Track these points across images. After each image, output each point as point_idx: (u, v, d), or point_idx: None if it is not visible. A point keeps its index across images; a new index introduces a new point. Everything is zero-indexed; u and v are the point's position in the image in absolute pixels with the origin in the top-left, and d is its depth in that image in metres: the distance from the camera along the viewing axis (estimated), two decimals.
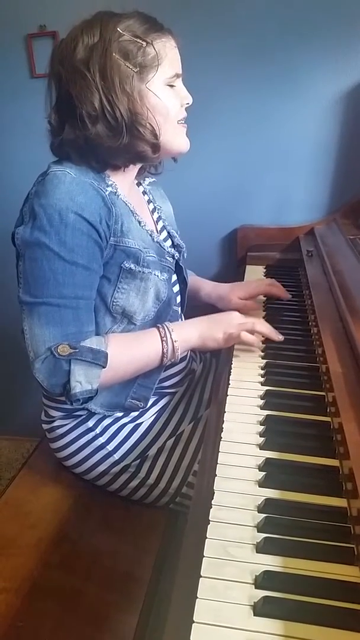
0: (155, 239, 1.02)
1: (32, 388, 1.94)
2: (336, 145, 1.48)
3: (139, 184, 1.15)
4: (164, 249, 1.05)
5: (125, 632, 0.82)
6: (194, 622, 0.50)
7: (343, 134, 1.46)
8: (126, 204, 0.97)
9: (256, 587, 0.53)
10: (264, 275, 1.46)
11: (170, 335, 0.98)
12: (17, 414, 2.09)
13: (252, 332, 1.00)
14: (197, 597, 0.52)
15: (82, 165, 0.92)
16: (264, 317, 1.18)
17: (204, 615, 0.50)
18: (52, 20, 1.48)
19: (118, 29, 0.86)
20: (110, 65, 0.85)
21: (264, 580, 0.53)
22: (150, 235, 1.01)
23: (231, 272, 1.63)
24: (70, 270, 0.87)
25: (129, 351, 0.96)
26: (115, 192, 0.94)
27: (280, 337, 1.02)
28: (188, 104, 0.97)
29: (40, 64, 1.53)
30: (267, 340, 1.03)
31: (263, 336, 1.02)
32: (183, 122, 0.98)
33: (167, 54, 0.90)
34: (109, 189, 0.93)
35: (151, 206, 1.14)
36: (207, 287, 1.28)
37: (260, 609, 0.51)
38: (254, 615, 0.51)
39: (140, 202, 1.10)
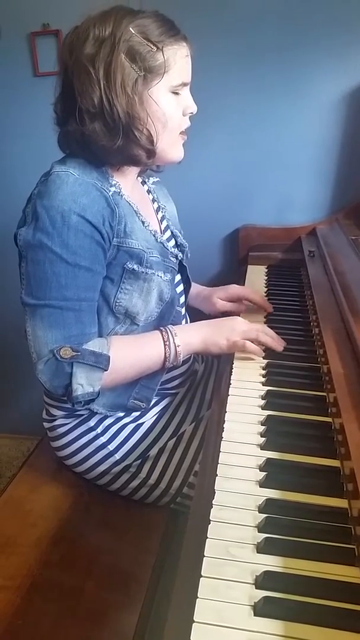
0: (158, 239, 1.02)
1: (33, 386, 1.94)
2: (339, 145, 1.48)
3: (143, 183, 1.14)
4: (167, 249, 1.05)
5: (125, 631, 0.82)
6: (194, 621, 0.50)
7: (346, 134, 1.46)
8: (130, 204, 0.96)
9: (257, 587, 0.53)
10: (265, 276, 1.46)
11: (174, 339, 0.98)
12: (18, 412, 2.09)
13: (255, 341, 1.00)
14: (197, 597, 0.52)
15: (85, 161, 0.91)
16: (264, 318, 1.18)
17: (205, 615, 0.50)
18: (56, 18, 1.48)
19: (130, 28, 0.84)
20: (115, 64, 0.84)
21: (264, 580, 0.54)
22: (154, 235, 1.01)
23: (233, 271, 1.63)
24: (72, 272, 0.87)
25: (132, 354, 0.96)
26: (119, 192, 0.94)
27: (281, 348, 1.01)
28: (192, 113, 0.96)
29: (43, 62, 1.54)
30: None
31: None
32: (184, 132, 0.97)
33: (176, 61, 0.89)
34: (113, 189, 0.92)
35: (155, 205, 1.14)
36: (191, 291, 1.26)
37: (261, 609, 0.51)
38: (255, 615, 0.51)
39: (144, 201, 1.10)
